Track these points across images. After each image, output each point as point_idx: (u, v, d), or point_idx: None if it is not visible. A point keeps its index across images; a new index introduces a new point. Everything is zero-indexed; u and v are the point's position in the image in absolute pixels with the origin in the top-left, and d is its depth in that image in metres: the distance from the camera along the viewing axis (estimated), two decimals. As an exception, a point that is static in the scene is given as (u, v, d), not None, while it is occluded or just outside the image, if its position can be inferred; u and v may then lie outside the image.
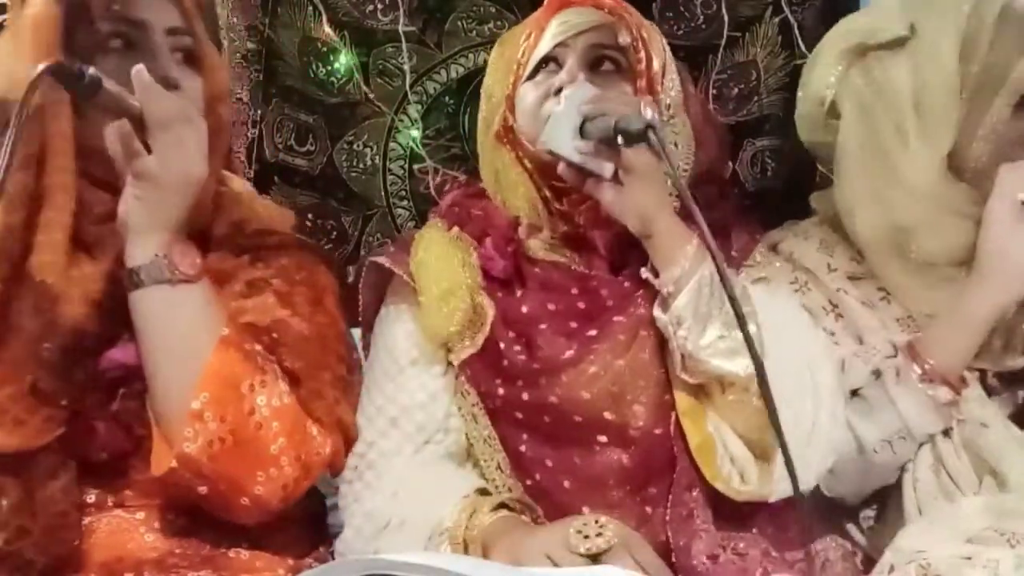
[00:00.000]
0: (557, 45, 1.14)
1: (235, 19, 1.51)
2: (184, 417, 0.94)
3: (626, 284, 1.13)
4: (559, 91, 1.10)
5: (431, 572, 0.70)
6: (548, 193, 1.14)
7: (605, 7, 1.15)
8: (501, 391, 1.11)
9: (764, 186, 1.58)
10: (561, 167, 1.07)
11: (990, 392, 1.20)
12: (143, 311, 0.98)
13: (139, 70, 0.95)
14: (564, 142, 1.06)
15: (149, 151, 0.96)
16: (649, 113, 1.00)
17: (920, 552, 1.04)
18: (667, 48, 1.20)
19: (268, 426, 0.97)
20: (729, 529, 1.08)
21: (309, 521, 1.12)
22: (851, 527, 1.23)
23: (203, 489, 0.95)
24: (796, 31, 1.53)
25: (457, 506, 1.05)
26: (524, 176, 1.16)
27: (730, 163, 1.54)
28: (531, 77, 1.15)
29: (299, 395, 1.03)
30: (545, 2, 1.19)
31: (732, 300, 0.86)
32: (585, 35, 1.14)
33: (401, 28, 1.52)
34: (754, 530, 1.09)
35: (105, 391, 1.00)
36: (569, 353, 1.09)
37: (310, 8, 1.51)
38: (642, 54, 1.15)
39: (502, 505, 1.06)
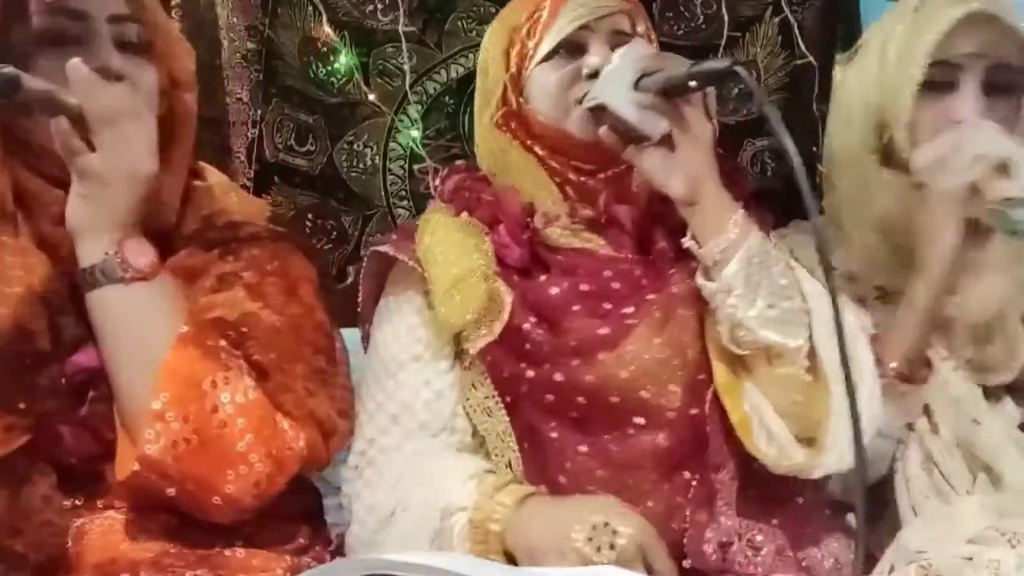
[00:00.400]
0: (580, 28, 1.11)
1: (235, 19, 1.51)
2: (146, 418, 0.92)
3: (658, 264, 1.11)
4: (592, 75, 1.08)
5: (431, 572, 0.70)
6: (570, 174, 1.12)
7: None
8: (530, 374, 1.07)
9: (764, 186, 1.58)
10: (603, 131, 1.05)
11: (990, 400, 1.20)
12: (99, 312, 0.95)
13: (74, 64, 0.92)
14: (619, 96, 1.02)
15: (93, 148, 0.93)
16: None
17: (921, 552, 1.03)
18: None
19: (233, 423, 0.94)
20: (750, 517, 1.06)
21: (306, 519, 1.11)
22: (852, 518, 1.22)
23: (171, 491, 0.93)
24: (796, 31, 1.53)
25: (467, 485, 1.01)
26: (533, 162, 1.13)
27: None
28: (547, 59, 1.12)
29: (267, 389, 1.00)
30: None
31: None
32: (608, 19, 1.12)
33: (401, 28, 1.52)
34: (775, 521, 1.07)
35: (73, 396, 0.98)
36: (604, 331, 1.06)
37: (310, 8, 1.52)
38: (655, 38, 1.16)
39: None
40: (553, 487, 1.05)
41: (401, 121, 1.55)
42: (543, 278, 1.10)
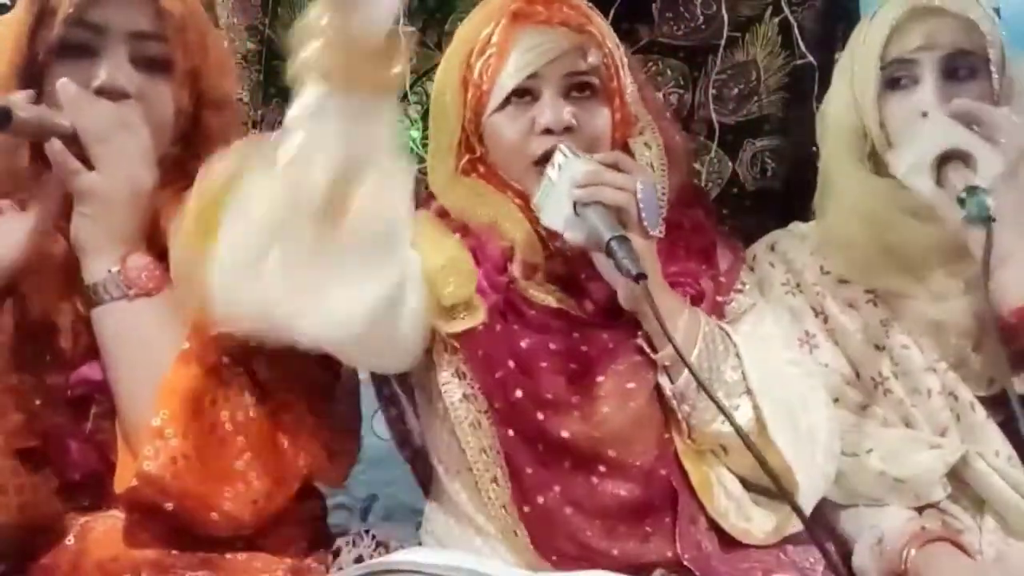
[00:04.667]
0: (529, 77, 1.10)
1: (235, 19, 1.51)
2: (146, 434, 0.92)
3: (624, 328, 1.11)
4: (547, 131, 1.09)
5: (430, 572, 0.70)
6: (540, 228, 1.11)
7: (571, 24, 1.11)
8: (497, 404, 1.08)
9: (764, 186, 1.57)
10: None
11: None
12: (102, 328, 0.97)
13: (63, 84, 0.94)
14: (558, 221, 1.06)
15: (91, 167, 0.94)
16: (640, 192, 1.03)
17: None
18: (612, 33, 1.17)
19: (232, 441, 0.95)
20: (740, 549, 1.08)
21: (308, 522, 1.11)
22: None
23: (169, 506, 0.93)
24: (796, 31, 1.53)
25: None
26: (509, 201, 1.13)
27: (730, 163, 1.54)
28: (500, 108, 1.12)
29: (269, 407, 1.00)
30: (499, 12, 1.13)
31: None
32: (556, 64, 1.10)
33: (401, 28, 1.52)
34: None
35: (77, 410, 0.99)
36: (576, 398, 1.08)
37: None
38: (611, 63, 1.14)
39: None
40: (535, 509, 1.06)
41: (401, 121, 1.55)
42: (516, 327, 1.11)
